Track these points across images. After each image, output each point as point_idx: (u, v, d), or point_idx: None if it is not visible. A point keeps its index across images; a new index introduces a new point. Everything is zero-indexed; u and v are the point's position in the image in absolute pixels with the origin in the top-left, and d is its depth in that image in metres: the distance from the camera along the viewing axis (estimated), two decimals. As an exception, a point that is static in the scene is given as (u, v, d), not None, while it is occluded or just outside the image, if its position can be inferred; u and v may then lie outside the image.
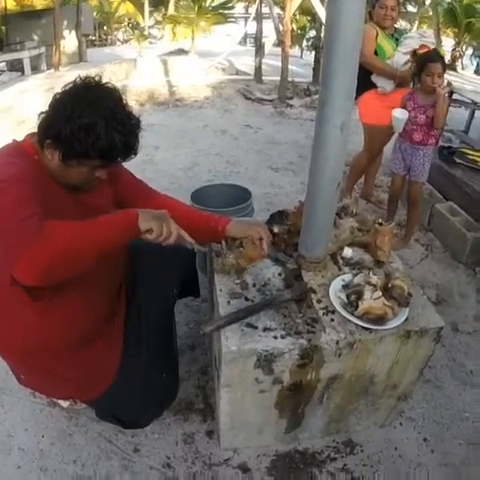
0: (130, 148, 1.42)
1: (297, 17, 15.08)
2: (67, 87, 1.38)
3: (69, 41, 11.13)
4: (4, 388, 2.06)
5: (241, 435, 1.76)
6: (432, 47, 3.08)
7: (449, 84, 3.03)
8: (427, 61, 2.82)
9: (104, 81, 1.43)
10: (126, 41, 21.54)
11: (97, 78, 1.42)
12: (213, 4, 14.40)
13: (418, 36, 3.16)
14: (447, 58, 14.90)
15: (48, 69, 9.83)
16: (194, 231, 1.54)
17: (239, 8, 19.60)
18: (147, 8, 18.43)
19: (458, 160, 3.83)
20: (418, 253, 3.32)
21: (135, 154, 1.46)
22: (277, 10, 9.84)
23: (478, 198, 3.37)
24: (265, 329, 1.46)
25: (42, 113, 1.38)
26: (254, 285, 1.65)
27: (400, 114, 2.87)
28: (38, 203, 1.26)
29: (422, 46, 3.03)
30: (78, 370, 1.63)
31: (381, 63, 3.25)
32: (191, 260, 2.00)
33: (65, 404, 1.94)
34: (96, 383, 1.66)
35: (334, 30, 1.26)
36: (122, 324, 1.75)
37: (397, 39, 3.29)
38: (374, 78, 3.33)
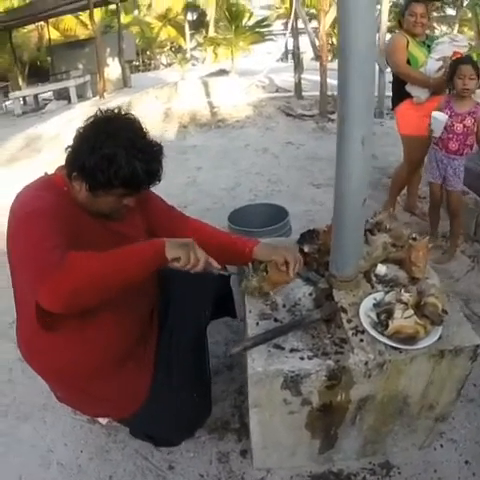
0: (153, 175, 1.46)
1: (335, 30, 15.07)
2: (89, 121, 1.44)
3: (113, 68, 11.55)
4: (47, 404, 2.13)
5: (274, 455, 1.74)
6: (464, 52, 3.01)
7: None
8: (458, 64, 2.80)
9: (124, 112, 1.49)
10: (169, 65, 22.09)
11: (117, 110, 1.48)
12: (249, 23, 14.66)
13: (449, 41, 3.08)
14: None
15: (93, 96, 10.20)
16: (222, 253, 1.60)
17: (278, 25, 19.82)
18: (188, 31, 18.93)
19: (504, 167, 3.69)
20: (464, 265, 3.21)
21: (159, 180, 1.50)
22: (314, 24, 9.86)
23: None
24: (292, 350, 1.45)
25: (68, 147, 1.45)
26: (284, 306, 1.65)
27: (439, 115, 2.82)
28: (65, 235, 1.32)
29: (455, 53, 2.97)
30: (110, 390, 1.67)
31: (414, 72, 3.20)
32: (225, 280, 2.01)
33: (104, 421, 1.99)
34: (127, 403, 1.69)
35: (346, 41, 1.25)
36: (154, 347, 1.77)
37: (429, 46, 3.23)
38: (408, 88, 3.28)
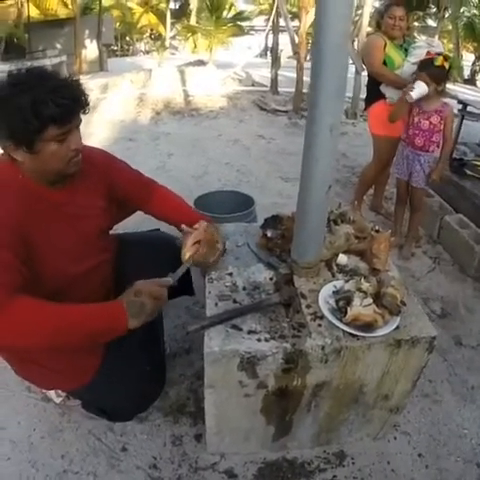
0: (78, 100, 1.40)
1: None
2: None
3: (90, 50, 11.41)
4: (0, 382, 2.08)
5: (228, 440, 1.73)
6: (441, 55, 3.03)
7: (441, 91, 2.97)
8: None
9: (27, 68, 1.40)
10: (148, 52, 21.84)
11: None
12: (229, 15, 14.57)
13: (426, 45, 3.11)
14: (466, 73, 14.87)
15: (69, 77, 9.99)
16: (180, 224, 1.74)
17: (260, 21, 19.85)
18: (169, 19, 18.67)
19: (469, 172, 3.79)
20: (425, 265, 3.27)
21: (87, 105, 1.44)
22: (295, 23, 9.87)
23: (488, 210, 3.32)
24: (250, 331, 1.44)
25: None
26: (244, 288, 1.64)
27: (422, 84, 2.83)
28: (13, 251, 1.30)
29: (428, 53, 3.00)
30: (61, 361, 1.64)
31: (390, 73, 3.23)
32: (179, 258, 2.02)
33: (58, 400, 1.96)
34: (80, 374, 1.67)
35: (321, 31, 1.25)
36: None
37: (406, 49, 3.27)
38: (383, 88, 3.32)
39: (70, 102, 1.35)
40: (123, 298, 1.41)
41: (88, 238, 1.61)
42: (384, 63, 3.25)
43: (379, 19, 3.38)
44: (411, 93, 2.82)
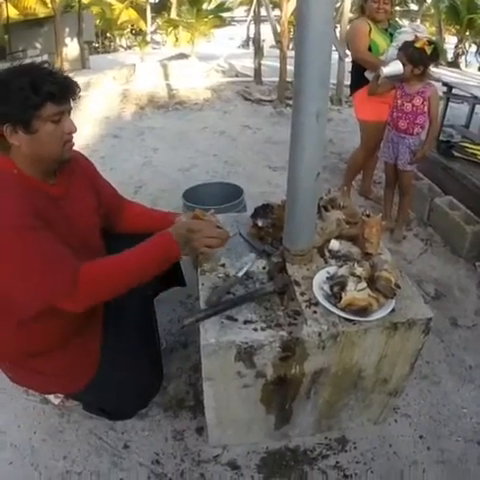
0: (71, 81, 1.45)
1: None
2: None
3: (71, 48, 11.25)
4: (-2, 387, 2.07)
5: (229, 431, 1.73)
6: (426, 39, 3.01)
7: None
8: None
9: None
10: (129, 47, 21.62)
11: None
12: (210, 7, 14.47)
13: (412, 31, 3.08)
14: (450, 55, 14.91)
15: (50, 76, 9.89)
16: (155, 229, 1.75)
17: (241, 11, 19.74)
18: (149, 14, 18.49)
19: (457, 154, 3.79)
20: (417, 248, 3.29)
21: (79, 90, 1.48)
22: (276, 12, 9.82)
23: (477, 191, 3.33)
24: (245, 321, 1.43)
25: None
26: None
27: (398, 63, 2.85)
28: (46, 229, 1.37)
29: (416, 36, 2.97)
30: (58, 366, 1.63)
31: (375, 59, 3.21)
32: None
33: (56, 401, 1.95)
34: (77, 376, 1.66)
35: (305, 18, 1.23)
36: (100, 317, 1.76)
37: (391, 34, 3.25)
38: (368, 74, 3.30)
39: (65, 82, 1.41)
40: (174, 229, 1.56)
41: (87, 238, 1.61)
42: (369, 49, 3.24)
43: (363, 3, 3.35)
44: (383, 68, 2.84)
